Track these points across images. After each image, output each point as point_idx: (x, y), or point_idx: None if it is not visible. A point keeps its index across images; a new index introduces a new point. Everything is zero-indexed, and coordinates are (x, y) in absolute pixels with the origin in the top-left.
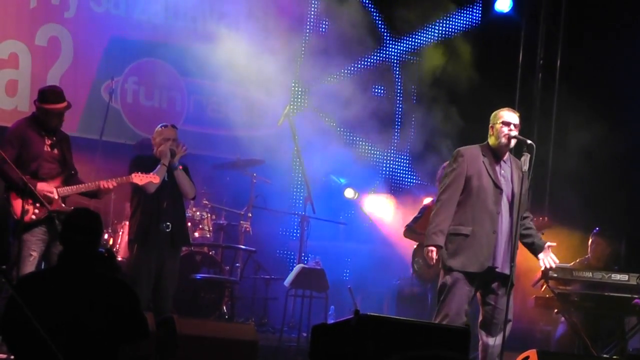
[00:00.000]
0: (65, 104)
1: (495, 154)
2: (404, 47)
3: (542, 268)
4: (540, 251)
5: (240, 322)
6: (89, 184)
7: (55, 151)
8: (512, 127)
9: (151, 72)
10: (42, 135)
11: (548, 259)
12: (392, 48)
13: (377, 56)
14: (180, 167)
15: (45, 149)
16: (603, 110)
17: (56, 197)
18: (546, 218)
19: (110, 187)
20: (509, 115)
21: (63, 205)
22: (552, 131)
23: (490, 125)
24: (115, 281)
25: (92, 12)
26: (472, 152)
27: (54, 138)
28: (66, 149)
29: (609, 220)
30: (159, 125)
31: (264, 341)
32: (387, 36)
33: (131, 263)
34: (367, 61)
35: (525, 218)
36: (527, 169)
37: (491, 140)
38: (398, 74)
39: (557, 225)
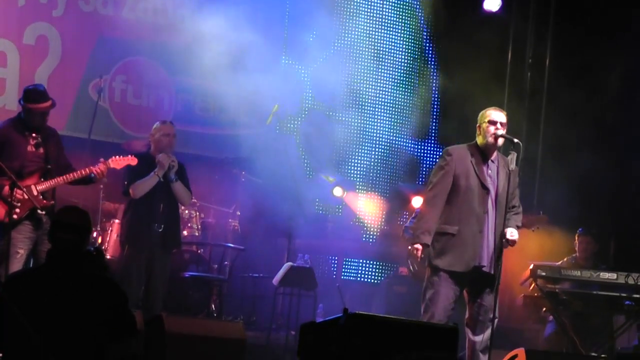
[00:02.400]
0: (49, 102)
1: (483, 154)
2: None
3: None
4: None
5: (229, 320)
6: (69, 175)
7: (41, 150)
8: (498, 125)
9: (139, 71)
10: (25, 135)
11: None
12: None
13: None
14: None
15: (29, 149)
16: (592, 109)
17: (35, 193)
18: (541, 212)
19: (103, 169)
20: (496, 114)
21: (44, 200)
22: (541, 130)
23: (477, 124)
24: (103, 280)
25: (80, 11)
26: (460, 151)
27: (39, 137)
28: (53, 144)
29: (597, 218)
30: (157, 122)
31: (252, 339)
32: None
33: (121, 263)
34: None
35: (513, 207)
36: (514, 167)
37: (479, 140)
38: None
39: (549, 224)
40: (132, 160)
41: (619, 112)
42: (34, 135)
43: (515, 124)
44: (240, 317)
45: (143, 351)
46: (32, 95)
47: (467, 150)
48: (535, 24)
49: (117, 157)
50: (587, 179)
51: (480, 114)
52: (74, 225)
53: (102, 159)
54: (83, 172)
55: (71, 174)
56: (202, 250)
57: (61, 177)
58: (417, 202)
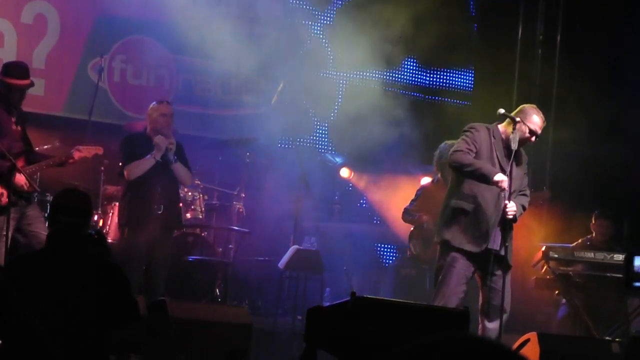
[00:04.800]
0: (28, 81)
1: (504, 140)
2: None
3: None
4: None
5: (234, 305)
6: (48, 160)
7: (19, 128)
8: (535, 138)
9: (139, 50)
10: (8, 113)
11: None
12: None
13: None
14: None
15: (12, 127)
16: (604, 86)
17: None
18: (545, 187)
19: (77, 158)
20: (541, 126)
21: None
22: (553, 109)
23: (518, 116)
24: (105, 264)
25: None
26: (484, 129)
27: (17, 115)
28: (26, 125)
29: (611, 199)
30: (154, 102)
31: (258, 324)
32: None
33: (122, 246)
34: None
35: (522, 189)
36: (516, 147)
37: (508, 128)
38: None
39: (557, 202)
40: (99, 150)
41: (635, 90)
42: (13, 113)
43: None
44: (246, 302)
45: (146, 337)
46: (14, 70)
47: (489, 131)
48: (546, 1)
49: (82, 147)
50: (600, 158)
51: (530, 112)
52: (74, 208)
53: (76, 146)
54: (57, 159)
55: (49, 160)
56: (206, 233)
57: (43, 162)
58: (425, 182)
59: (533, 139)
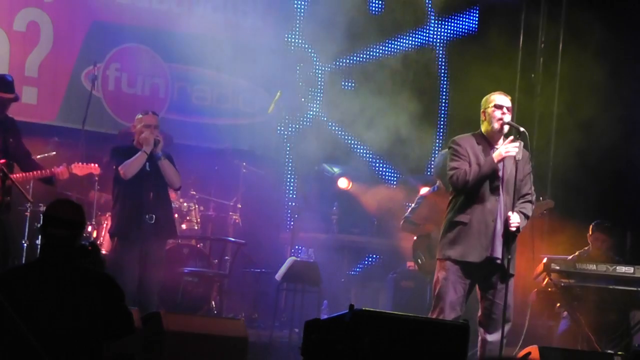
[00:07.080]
0: (13, 95)
1: (489, 141)
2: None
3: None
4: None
5: (230, 317)
6: (31, 173)
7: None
8: (504, 110)
9: (134, 58)
10: None
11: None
12: None
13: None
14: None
15: None
16: (606, 97)
17: None
18: (542, 197)
19: (64, 172)
20: (501, 99)
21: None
22: (554, 119)
23: (481, 110)
24: (99, 276)
25: None
26: (467, 140)
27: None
28: (12, 136)
29: (613, 210)
30: (139, 113)
31: (254, 337)
32: None
33: (113, 257)
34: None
35: (526, 195)
36: (520, 157)
37: (484, 127)
38: None
39: (560, 214)
40: (95, 170)
41: (636, 99)
42: None
43: (528, 113)
44: (242, 315)
45: (140, 350)
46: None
47: (473, 138)
48: (547, 6)
49: (80, 163)
50: (602, 169)
51: (485, 99)
52: (66, 220)
53: (65, 163)
54: (45, 172)
55: (34, 173)
56: (201, 244)
57: (23, 174)
58: (425, 191)
59: (505, 110)
